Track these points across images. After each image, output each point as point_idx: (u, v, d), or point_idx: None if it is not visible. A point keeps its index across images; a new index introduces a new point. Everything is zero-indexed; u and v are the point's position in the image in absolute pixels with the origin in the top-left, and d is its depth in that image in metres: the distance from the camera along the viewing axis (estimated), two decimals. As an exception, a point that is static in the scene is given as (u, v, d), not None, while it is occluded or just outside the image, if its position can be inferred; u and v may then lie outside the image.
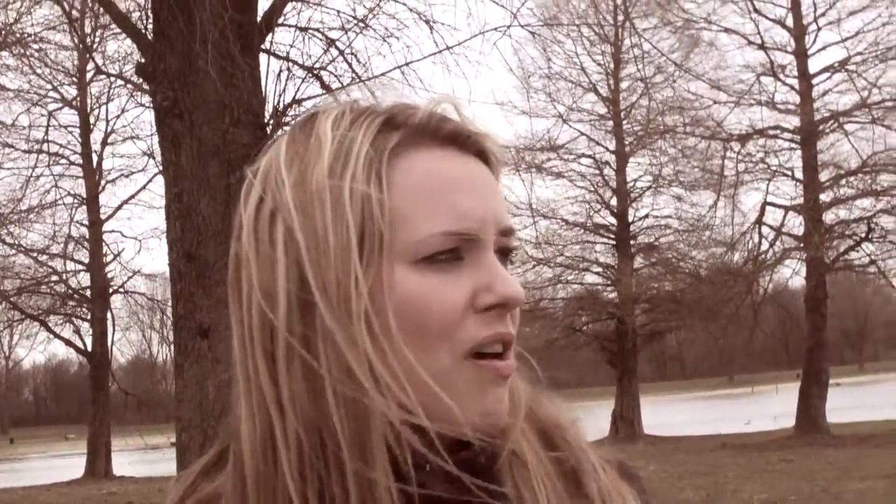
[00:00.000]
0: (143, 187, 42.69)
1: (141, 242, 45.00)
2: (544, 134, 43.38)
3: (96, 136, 42.86)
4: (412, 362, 1.22)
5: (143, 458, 46.02)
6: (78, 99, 41.35)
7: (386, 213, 1.24)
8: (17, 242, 40.27)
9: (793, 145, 38.29)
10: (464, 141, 1.33)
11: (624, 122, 44.78)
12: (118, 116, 41.79)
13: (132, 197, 43.50)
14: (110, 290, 43.55)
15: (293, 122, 1.38)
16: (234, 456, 1.28)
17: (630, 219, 45.32)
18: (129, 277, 44.83)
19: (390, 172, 1.26)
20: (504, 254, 1.35)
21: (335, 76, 13.60)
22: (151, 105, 11.60)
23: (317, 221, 1.23)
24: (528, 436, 1.39)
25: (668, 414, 63.73)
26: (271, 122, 12.03)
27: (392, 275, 1.23)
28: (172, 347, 10.91)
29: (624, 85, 44.65)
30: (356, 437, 1.21)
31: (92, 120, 42.44)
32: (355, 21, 14.02)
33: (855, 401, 56.67)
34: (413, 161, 1.28)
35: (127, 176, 43.40)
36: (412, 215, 1.25)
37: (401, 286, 1.23)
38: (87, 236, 42.94)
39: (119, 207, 43.84)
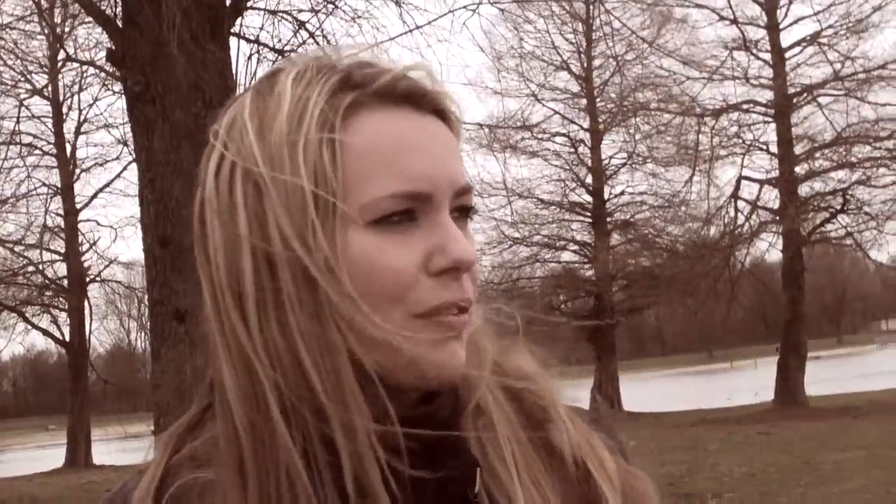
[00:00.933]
0: (118, 175, 42.51)
1: (117, 231, 44.96)
2: (517, 113, 43.38)
3: (69, 126, 42.61)
4: (363, 321, 1.23)
5: (123, 446, 45.78)
6: (49, 88, 41.08)
7: (339, 174, 1.24)
8: (-10, 233, 40.09)
9: (767, 119, 38.35)
10: (419, 100, 1.32)
11: (597, 99, 44.74)
12: (91, 105, 41.52)
13: (107, 185, 43.25)
14: (87, 280, 43.34)
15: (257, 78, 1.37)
16: (221, 408, 1.28)
17: (606, 196, 45.33)
18: (106, 266, 44.71)
19: (343, 133, 1.26)
20: (463, 212, 1.35)
21: (306, 59, 13.51)
22: (123, 92, 11.54)
23: (276, 178, 1.24)
24: (494, 389, 1.40)
25: (647, 390, 63.82)
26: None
27: (346, 235, 1.24)
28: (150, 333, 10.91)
29: (597, 63, 44.56)
30: (333, 385, 1.22)
31: (64, 109, 42.19)
32: (324, 3, 13.97)
33: (833, 373, 56.85)
34: (367, 121, 1.28)
35: (101, 165, 43.12)
36: (365, 176, 1.25)
37: (354, 247, 1.24)
38: (63, 226, 42.65)
39: (94, 196, 43.59)
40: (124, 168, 41.33)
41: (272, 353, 1.23)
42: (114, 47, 10.91)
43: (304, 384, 1.22)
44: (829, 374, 53.17)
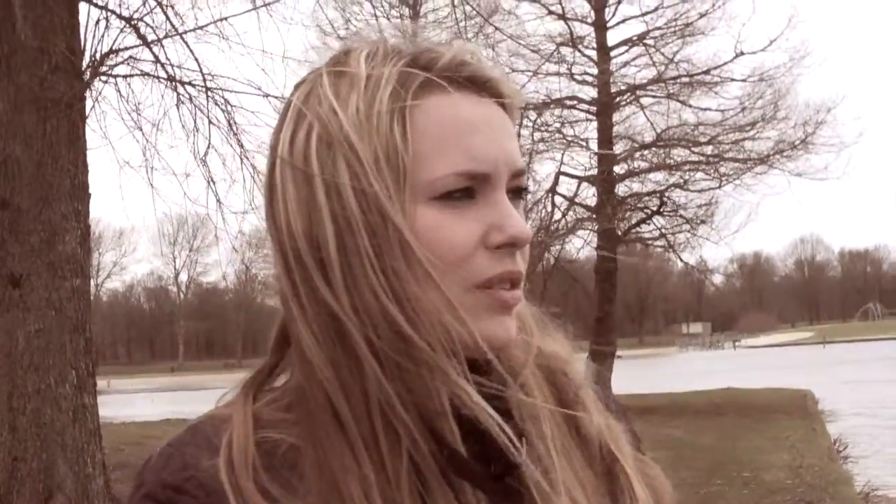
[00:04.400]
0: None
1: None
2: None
3: None
4: (428, 292, 1.31)
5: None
6: None
7: (410, 150, 1.33)
8: None
9: (589, 116, 38.67)
10: (481, 84, 1.41)
11: (421, 86, 44.73)
12: None
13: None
14: None
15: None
16: (304, 367, 1.33)
17: (424, 184, 45.36)
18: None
19: (412, 113, 1.35)
20: (517, 193, 1.44)
21: (151, 28, 13.35)
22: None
23: (353, 148, 1.32)
24: (533, 368, 1.48)
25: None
26: (88, 70, 11.98)
27: (414, 209, 1.32)
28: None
29: (422, 49, 44.53)
30: (430, 337, 1.29)
31: None
32: (173, -29, 13.69)
33: (636, 374, 58.10)
34: (433, 103, 1.36)
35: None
36: (430, 155, 1.34)
37: (418, 220, 1.32)
38: None
39: None
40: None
41: (361, 313, 1.29)
42: (-42, 5, 10.85)
43: (398, 338, 1.29)
44: (631, 375, 54.18)
